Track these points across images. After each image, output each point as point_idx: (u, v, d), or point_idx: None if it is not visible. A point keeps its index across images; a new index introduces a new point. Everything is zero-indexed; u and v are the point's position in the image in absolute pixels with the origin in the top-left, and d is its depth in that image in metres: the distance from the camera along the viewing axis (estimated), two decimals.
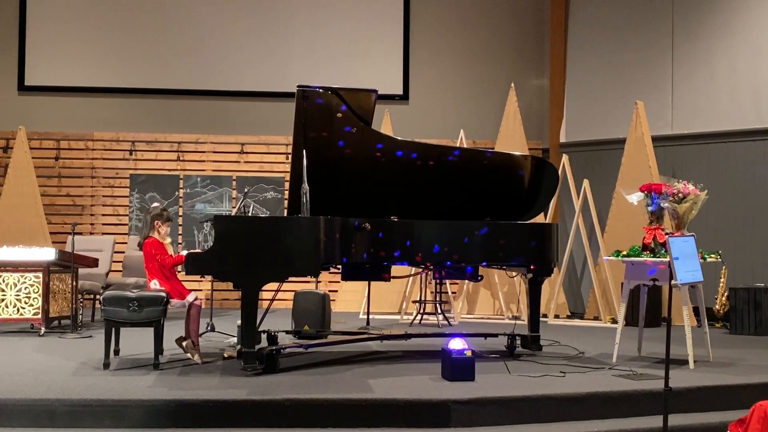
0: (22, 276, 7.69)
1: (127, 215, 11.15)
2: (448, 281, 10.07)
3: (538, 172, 6.93)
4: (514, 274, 7.42)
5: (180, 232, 11.07)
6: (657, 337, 7.33)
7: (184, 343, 6.23)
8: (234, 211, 10.00)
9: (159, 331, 5.93)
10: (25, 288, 7.69)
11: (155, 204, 6.78)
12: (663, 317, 9.06)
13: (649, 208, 6.58)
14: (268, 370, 5.65)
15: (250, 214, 6.79)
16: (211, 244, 5.73)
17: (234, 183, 11.27)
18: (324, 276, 9.63)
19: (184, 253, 5.97)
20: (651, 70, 10.59)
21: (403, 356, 6.65)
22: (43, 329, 7.65)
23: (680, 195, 6.46)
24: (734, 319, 8.72)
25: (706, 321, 6.70)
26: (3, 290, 7.67)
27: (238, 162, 11.36)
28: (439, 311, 9.30)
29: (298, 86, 6.03)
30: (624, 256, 6.50)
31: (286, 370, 5.80)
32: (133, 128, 11.33)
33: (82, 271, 8.42)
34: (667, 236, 5.95)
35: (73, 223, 8.20)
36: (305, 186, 5.87)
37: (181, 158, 11.29)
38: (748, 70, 9.86)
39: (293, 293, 8.11)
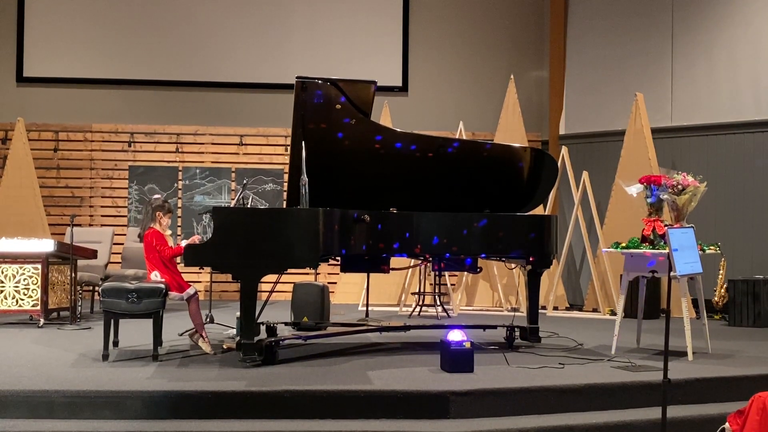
0: (21, 267, 7.70)
1: (125, 207, 11.14)
2: (447, 273, 10.07)
3: (537, 163, 6.92)
4: (513, 266, 7.41)
5: (179, 224, 11.06)
6: (656, 328, 7.34)
7: (186, 334, 6.27)
8: (233, 203, 9.99)
9: (158, 322, 5.92)
10: (24, 279, 7.69)
11: (156, 195, 6.77)
12: (662, 309, 9.07)
13: (649, 200, 6.57)
14: (267, 362, 5.65)
15: (248, 206, 6.77)
16: (211, 235, 5.72)
17: (233, 175, 11.26)
18: (323, 268, 9.64)
19: (184, 243, 5.97)
20: (651, 62, 10.58)
21: (402, 348, 6.65)
22: (42, 321, 7.65)
23: (679, 187, 6.44)
24: (733, 310, 8.74)
25: (704, 313, 6.70)
26: (2, 282, 7.67)
27: (237, 154, 11.35)
28: (438, 303, 9.30)
29: (297, 77, 6.01)
30: (623, 247, 6.49)
31: (285, 362, 5.80)
32: (132, 120, 11.31)
33: (81, 262, 8.43)
34: (666, 228, 5.95)
35: (72, 215, 8.19)
36: (304, 177, 5.86)
37: (180, 150, 11.28)
38: (747, 62, 9.85)
39: (292, 285, 8.11)
